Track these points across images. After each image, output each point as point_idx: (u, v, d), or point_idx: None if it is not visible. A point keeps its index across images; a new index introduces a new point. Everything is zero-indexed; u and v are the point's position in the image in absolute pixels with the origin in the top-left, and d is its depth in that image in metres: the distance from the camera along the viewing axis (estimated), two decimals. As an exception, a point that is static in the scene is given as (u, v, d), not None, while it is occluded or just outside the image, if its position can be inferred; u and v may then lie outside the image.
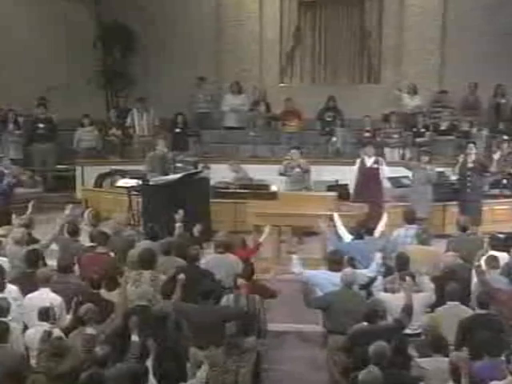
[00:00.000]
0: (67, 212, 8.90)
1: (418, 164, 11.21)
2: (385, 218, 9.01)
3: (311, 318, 7.84)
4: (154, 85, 14.99)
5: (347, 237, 8.60)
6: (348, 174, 11.58)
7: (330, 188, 11.68)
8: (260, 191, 11.56)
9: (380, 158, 11.20)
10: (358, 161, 11.13)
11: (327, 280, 7.31)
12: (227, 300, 7.07)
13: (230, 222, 11.19)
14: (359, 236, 8.40)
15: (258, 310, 7.10)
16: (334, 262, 7.46)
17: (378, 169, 10.94)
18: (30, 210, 9.33)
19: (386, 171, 11.04)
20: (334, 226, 8.85)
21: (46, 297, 6.93)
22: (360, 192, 10.85)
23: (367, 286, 7.54)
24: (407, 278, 6.99)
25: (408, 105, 14.30)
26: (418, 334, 6.81)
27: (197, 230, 8.82)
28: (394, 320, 6.64)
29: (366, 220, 9.13)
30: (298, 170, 11.03)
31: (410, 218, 8.95)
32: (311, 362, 7.43)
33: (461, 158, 11.16)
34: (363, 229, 8.50)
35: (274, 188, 11.59)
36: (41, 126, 14.14)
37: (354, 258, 7.68)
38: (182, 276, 7.03)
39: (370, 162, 11.03)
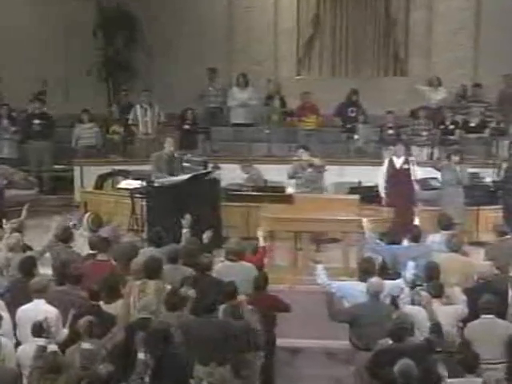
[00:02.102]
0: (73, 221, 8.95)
1: (448, 164, 11.16)
2: (417, 223, 8.98)
3: (333, 333, 7.82)
4: (159, 78, 15.02)
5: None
6: (372, 175, 11.55)
7: (352, 190, 11.64)
8: (275, 194, 11.54)
9: (411, 158, 11.15)
10: (386, 161, 11.06)
11: (359, 292, 7.26)
12: (223, 311, 7.05)
13: (243, 227, 11.18)
14: (395, 242, 8.37)
15: (250, 323, 7.05)
16: (367, 271, 7.42)
17: (408, 169, 10.89)
18: (24, 214, 9.33)
19: (418, 172, 10.99)
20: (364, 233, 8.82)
21: (40, 309, 6.93)
22: (391, 196, 10.79)
23: (394, 297, 7.51)
24: (423, 293, 6.95)
25: (432, 99, 14.23)
26: (449, 351, 6.77)
27: (207, 236, 8.82)
28: (424, 339, 6.58)
29: (398, 225, 9.10)
30: (309, 170, 10.96)
31: (445, 224, 8.91)
32: (335, 381, 7.40)
33: (504, 163, 11.07)
34: (408, 234, 8.46)
35: (290, 190, 11.57)
36: (36, 122, 14.13)
37: (390, 265, 7.66)
38: (192, 292, 7.02)
39: (399, 162, 10.97)
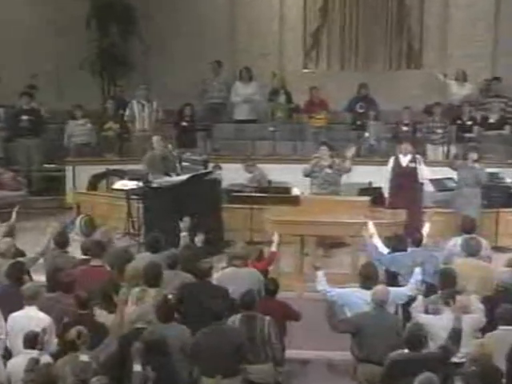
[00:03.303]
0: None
1: (465, 163, 11.15)
2: (427, 228, 8.97)
3: (342, 344, 7.81)
4: (157, 71, 15.04)
5: (383, 249, 8.57)
6: (383, 176, 11.54)
7: (362, 191, 11.64)
8: (280, 195, 11.55)
9: (418, 156, 11.13)
10: (392, 160, 11.05)
11: (361, 299, 7.28)
12: (234, 322, 7.06)
13: (245, 230, 11.19)
14: (400, 247, 8.36)
15: (268, 334, 7.07)
16: (368, 277, 7.43)
17: (415, 168, 10.88)
18: (13, 216, 9.36)
19: (425, 171, 10.97)
20: (371, 237, 8.81)
21: (32, 316, 6.96)
22: (395, 196, 10.79)
23: (406, 306, 7.50)
24: (458, 298, 6.94)
25: (456, 94, 14.22)
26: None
27: (199, 239, 8.83)
28: (440, 348, 6.59)
29: (407, 228, 9.08)
30: (328, 170, 10.90)
31: (468, 228, 8.90)
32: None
33: None
34: (409, 239, 8.47)
35: (296, 191, 11.57)
36: (25, 118, 14.09)
37: (396, 273, 7.65)
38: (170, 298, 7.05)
39: (405, 160, 10.96)
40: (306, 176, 11.09)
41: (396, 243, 8.47)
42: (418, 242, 8.50)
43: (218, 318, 6.87)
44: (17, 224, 9.28)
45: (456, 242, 8.77)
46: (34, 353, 6.46)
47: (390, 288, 7.42)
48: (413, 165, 10.90)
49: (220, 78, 14.97)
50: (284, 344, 7.52)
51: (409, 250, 8.43)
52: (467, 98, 14.11)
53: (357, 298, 7.35)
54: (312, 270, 8.17)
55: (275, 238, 9.17)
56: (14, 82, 14.57)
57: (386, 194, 11.05)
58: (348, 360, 7.68)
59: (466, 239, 8.52)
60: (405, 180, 10.83)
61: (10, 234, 8.79)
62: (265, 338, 7.01)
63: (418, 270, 7.74)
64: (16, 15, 15.26)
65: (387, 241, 8.59)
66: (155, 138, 11.88)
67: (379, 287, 7.18)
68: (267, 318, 7.13)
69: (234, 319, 7.08)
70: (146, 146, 12.47)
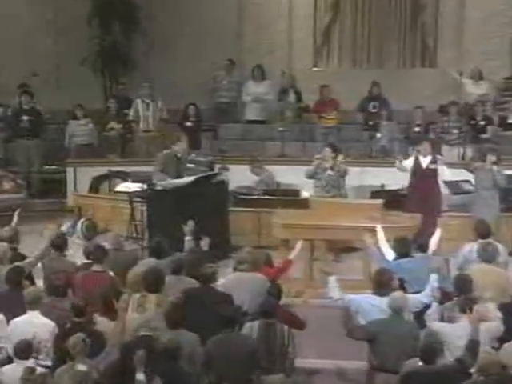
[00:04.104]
0: (64, 229, 8.96)
1: (483, 165, 11.12)
2: (438, 233, 8.95)
3: (351, 353, 7.81)
4: (161, 69, 15.05)
5: (390, 254, 8.56)
6: (396, 178, 11.54)
7: (375, 194, 11.64)
8: (289, 198, 11.56)
9: (439, 157, 11.11)
10: (411, 159, 11.03)
11: (374, 306, 7.27)
12: (251, 329, 7.07)
13: (253, 234, 11.20)
14: (406, 253, 8.36)
15: (287, 344, 7.08)
16: (382, 284, 7.42)
17: (435, 170, 10.87)
18: (15, 220, 9.38)
19: (447, 173, 10.95)
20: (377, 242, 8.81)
21: (36, 321, 7.00)
22: (414, 199, 10.76)
23: (420, 314, 7.49)
24: (476, 307, 6.93)
25: (472, 93, 14.20)
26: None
27: (205, 243, 8.84)
28: (456, 360, 6.56)
29: (417, 234, 9.07)
30: (330, 172, 10.93)
31: (483, 232, 8.88)
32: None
33: None
34: (414, 244, 8.46)
35: (305, 194, 11.57)
36: (25, 118, 14.17)
37: (403, 279, 7.65)
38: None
39: (425, 161, 10.94)
40: (309, 178, 11.13)
41: (399, 247, 8.45)
42: (423, 248, 8.49)
43: (229, 325, 6.88)
44: (17, 228, 9.25)
45: (472, 247, 8.75)
46: (30, 361, 6.46)
47: (407, 295, 7.40)
48: (433, 166, 10.90)
49: (232, 76, 15.00)
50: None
51: (416, 256, 8.41)
52: (483, 97, 14.08)
53: (370, 305, 7.34)
54: (322, 276, 8.17)
55: (298, 245, 9.09)
56: (13, 80, 14.61)
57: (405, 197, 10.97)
58: (358, 369, 7.68)
59: (482, 245, 8.50)
60: (425, 183, 10.83)
61: (14, 238, 8.80)
62: (283, 347, 7.03)
63: (433, 276, 7.71)
64: (15, 12, 15.28)
65: (396, 245, 8.57)
66: (183, 138, 11.39)
67: (397, 294, 7.18)
68: (286, 326, 7.14)
69: (252, 326, 7.09)
70: (155, 145, 12.46)
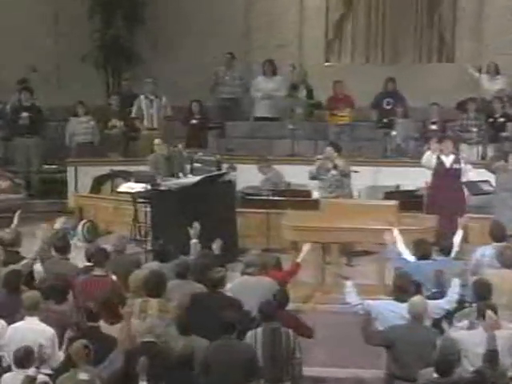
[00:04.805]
0: (57, 226, 8.94)
1: (505, 165, 11.09)
2: (460, 234, 8.93)
3: (362, 361, 7.80)
4: (166, 64, 15.06)
5: (409, 257, 8.54)
6: (412, 178, 11.52)
7: (389, 195, 11.62)
8: (299, 199, 11.55)
9: (464, 155, 11.09)
10: (434, 158, 10.98)
11: (394, 313, 7.23)
12: (254, 337, 7.05)
13: (261, 237, 11.20)
14: (426, 256, 8.34)
15: (293, 348, 7.06)
16: (402, 289, 7.38)
17: (459, 170, 10.85)
18: (15, 222, 9.36)
19: (470, 172, 10.93)
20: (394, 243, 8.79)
21: (35, 328, 6.98)
22: (437, 200, 10.74)
23: (439, 320, 7.47)
24: (489, 313, 6.90)
25: (488, 89, 14.17)
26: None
27: (217, 246, 8.84)
28: (475, 372, 6.52)
29: (438, 236, 9.06)
30: (333, 172, 10.95)
31: (499, 235, 8.84)
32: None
33: None
34: (436, 247, 8.45)
35: (316, 194, 11.57)
36: (24, 115, 14.19)
37: (419, 282, 7.62)
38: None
39: (448, 161, 10.92)
40: (312, 179, 11.19)
41: (419, 250, 8.43)
42: (446, 251, 8.47)
43: (229, 331, 6.86)
44: (19, 230, 9.22)
45: (484, 251, 8.71)
46: (30, 370, 6.45)
47: (428, 300, 7.37)
48: (457, 166, 10.88)
49: (233, 71, 14.99)
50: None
51: (438, 259, 8.39)
52: (499, 92, 14.03)
53: (390, 312, 7.29)
54: (337, 280, 8.15)
55: (305, 248, 9.08)
56: (12, 76, 14.63)
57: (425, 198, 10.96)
58: (369, 378, 7.69)
59: (500, 248, 8.47)
60: (449, 183, 10.80)
61: (16, 241, 8.79)
62: (289, 353, 7.00)
63: (456, 281, 7.66)
64: (15, 7, 15.26)
65: (415, 247, 8.54)
66: (156, 141, 12.22)
67: (416, 299, 7.13)
68: (291, 330, 7.11)
69: (255, 333, 7.06)
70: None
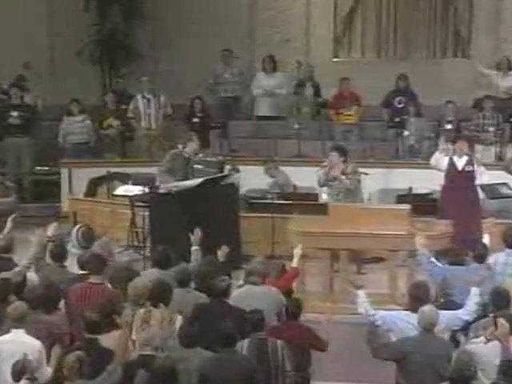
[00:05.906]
0: (49, 233, 8.96)
1: (524, 167, 11.15)
2: (487, 239, 8.95)
3: (377, 375, 7.81)
4: (165, 60, 15.09)
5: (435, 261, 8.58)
6: (425, 180, 11.53)
7: (401, 198, 11.62)
8: (306, 202, 11.56)
9: (477, 156, 11.09)
10: (446, 160, 10.96)
11: (409, 324, 7.21)
12: (240, 347, 7.05)
13: (266, 243, 11.20)
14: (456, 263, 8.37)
15: (282, 361, 7.06)
16: (419, 298, 7.38)
17: (472, 172, 10.86)
18: (9, 226, 9.35)
19: (484, 175, 10.93)
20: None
21: (21, 341, 6.95)
22: (450, 205, 10.75)
23: (454, 332, 7.48)
24: (501, 321, 6.90)
25: (499, 86, 14.16)
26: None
27: (222, 254, 8.85)
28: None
29: (454, 241, 9.08)
30: (342, 179, 10.75)
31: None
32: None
33: None
34: (471, 253, 8.47)
35: (324, 198, 11.57)
36: (15, 114, 14.20)
37: (449, 292, 7.65)
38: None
39: (461, 163, 10.92)
40: (322, 186, 11.08)
41: (452, 258, 8.44)
42: (481, 258, 8.47)
43: (229, 343, 6.87)
44: (12, 235, 9.24)
45: (496, 259, 8.73)
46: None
47: (445, 311, 7.37)
48: (470, 168, 10.87)
49: (233, 68, 15.00)
50: (309, 375, 7.51)
51: (471, 266, 8.41)
52: (511, 90, 14.04)
53: (405, 323, 7.27)
54: (348, 289, 8.14)
55: (297, 250, 9.13)
56: (6, 74, 14.64)
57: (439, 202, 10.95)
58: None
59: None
60: (461, 186, 10.81)
61: (9, 248, 8.81)
62: (277, 365, 7.01)
63: (475, 290, 7.65)
64: (7, 2, 15.29)
65: (439, 255, 8.56)
66: (194, 139, 11.30)
67: (426, 308, 7.12)
68: (279, 341, 7.12)
69: (241, 344, 7.06)
70: (158, 144, 12.48)
